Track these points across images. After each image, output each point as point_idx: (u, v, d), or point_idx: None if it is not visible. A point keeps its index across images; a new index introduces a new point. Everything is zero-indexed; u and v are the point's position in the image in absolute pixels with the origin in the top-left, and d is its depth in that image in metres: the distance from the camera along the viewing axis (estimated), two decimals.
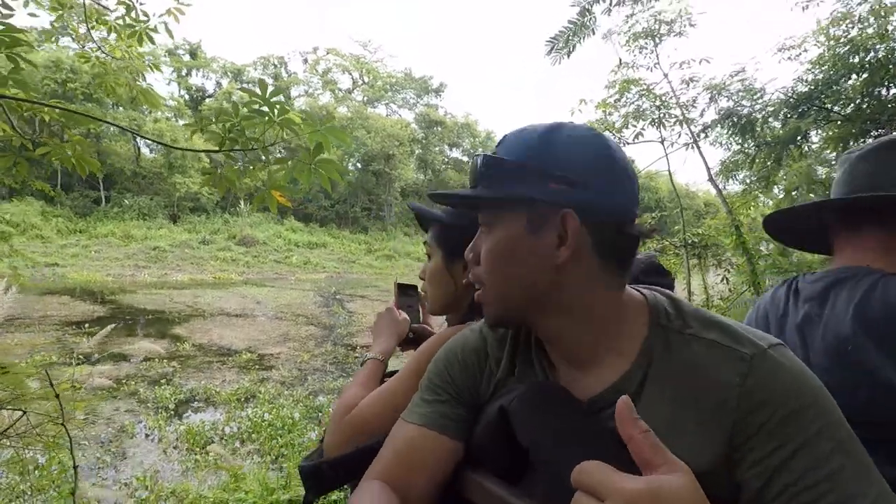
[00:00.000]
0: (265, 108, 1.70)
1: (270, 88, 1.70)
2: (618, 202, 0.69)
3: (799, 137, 5.90)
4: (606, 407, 0.67)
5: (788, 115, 5.80)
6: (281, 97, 1.69)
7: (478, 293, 0.74)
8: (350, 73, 34.65)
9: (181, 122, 27.20)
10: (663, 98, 6.65)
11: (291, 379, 7.64)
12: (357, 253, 27.25)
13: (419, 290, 1.31)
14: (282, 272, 21.92)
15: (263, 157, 1.79)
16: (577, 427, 0.66)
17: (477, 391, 0.80)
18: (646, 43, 6.66)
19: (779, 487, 0.57)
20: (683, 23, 6.37)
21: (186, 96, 29.97)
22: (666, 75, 6.69)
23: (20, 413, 1.93)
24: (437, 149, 34.04)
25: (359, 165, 31.16)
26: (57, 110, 1.91)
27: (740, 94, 6.24)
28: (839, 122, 5.55)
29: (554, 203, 0.66)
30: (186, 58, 30.09)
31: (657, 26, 6.48)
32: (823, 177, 8.38)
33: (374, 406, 0.99)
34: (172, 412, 6.04)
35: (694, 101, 6.64)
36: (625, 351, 0.68)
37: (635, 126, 6.78)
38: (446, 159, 35.12)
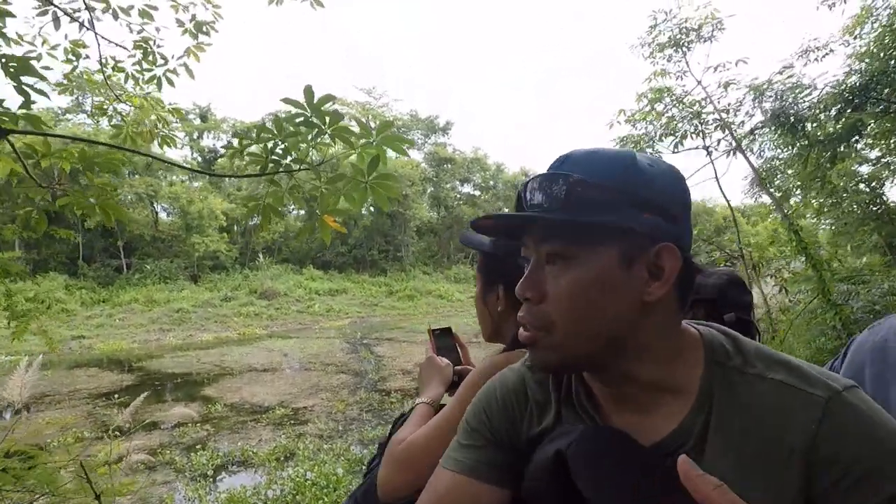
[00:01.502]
0: (314, 119, 1.46)
1: (318, 96, 1.46)
2: (690, 237, 0.66)
3: (856, 133, 5.58)
4: (669, 454, 0.62)
5: (842, 110, 5.48)
6: (332, 104, 1.44)
7: (527, 334, 0.66)
8: (357, 121, 35.38)
9: (196, 185, 27.73)
10: (701, 104, 6.41)
11: (329, 431, 7.26)
12: (378, 296, 26.96)
13: (453, 331, 1.34)
14: (305, 322, 21.69)
15: (313, 179, 1.53)
16: (643, 477, 0.61)
17: (517, 434, 0.76)
18: (673, 52, 6.48)
19: None
20: (712, 28, 6.19)
21: (199, 158, 30.67)
22: (699, 81, 6.46)
23: None
24: (448, 185, 34.19)
25: (372, 210, 31.33)
26: (77, 151, 1.69)
27: (788, 91, 5.96)
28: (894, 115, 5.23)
29: (651, 235, 0.61)
30: (197, 121, 30.98)
31: (683, 34, 6.31)
32: (868, 175, 7.96)
33: (421, 440, 0.99)
34: (211, 479, 5.69)
35: (738, 104, 6.39)
36: (683, 392, 0.64)
37: (674, 137, 6.53)
38: (458, 195, 35.23)
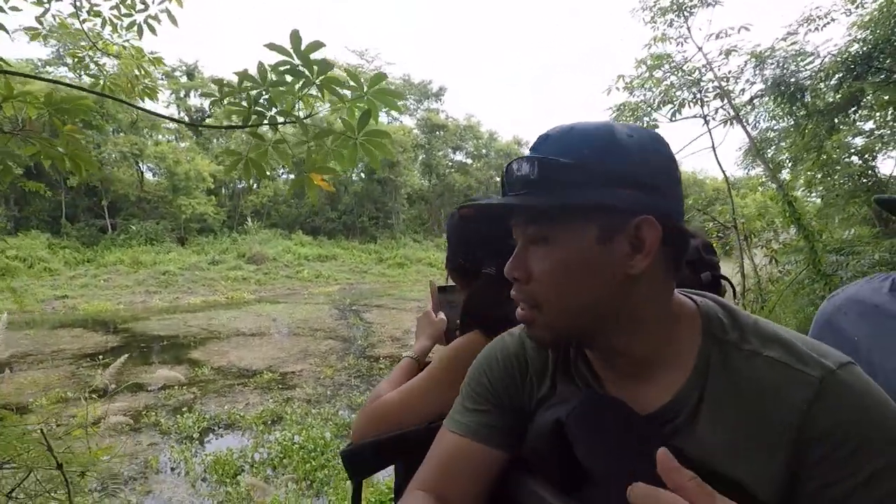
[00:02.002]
0: (301, 68, 1.33)
1: (305, 43, 1.33)
2: (677, 204, 0.65)
3: (855, 103, 5.47)
4: (665, 423, 0.64)
5: (843, 79, 5.35)
6: (321, 54, 1.31)
7: (523, 313, 0.68)
8: (348, 84, 34.45)
9: (183, 145, 27.07)
10: (701, 71, 6.22)
11: (317, 396, 7.28)
12: (368, 263, 26.88)
13: (457, 289, 1.31)
14: (294, 287, 21.62)
15: (300, 134, 1.41)
16: (639, 444, 0.62)
17: (518, 398, 0.78)
18: (675, 17, 6.24)
19: None
20: None
21: (186, 117, 29.87)
22: (700, 48, 6.26)
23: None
24: (440, 153, 33.69)
25: (363, 175, 30.89)
26: (43, 95, 1.54)
27: (790, 59, 5.78)
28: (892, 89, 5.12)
29: (629, 210, 0.61)
30: (184, 79, 29.96)
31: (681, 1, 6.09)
32: (861, 147, 7.93)
33: (394, 401, 1.05)
34: (197, 441, 5.69)
35: (740, 71, 6.18)
36: (678, 363, 0.65)
37: (672, 105, 6.36)
38: (450, 163, 34.78)
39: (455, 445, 0.77)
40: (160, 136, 25.92)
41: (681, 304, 0.68)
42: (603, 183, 0.61)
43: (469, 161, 35.15)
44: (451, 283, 1.35)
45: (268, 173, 1.61)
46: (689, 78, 6.24)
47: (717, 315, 0.66)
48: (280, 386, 7.83)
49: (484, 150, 34.57)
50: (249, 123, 1.36)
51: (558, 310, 0.65)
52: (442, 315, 1.32)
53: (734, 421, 0.59)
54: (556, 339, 0.70)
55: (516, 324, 0.79)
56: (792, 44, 5.66)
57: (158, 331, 12.30)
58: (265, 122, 1.39)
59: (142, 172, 25.55)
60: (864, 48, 5.16)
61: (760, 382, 0.59)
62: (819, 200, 7.86)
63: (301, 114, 1.51)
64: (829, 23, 5.89)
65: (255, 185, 30.34)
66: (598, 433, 0.65)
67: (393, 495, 1.23)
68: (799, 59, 5.66)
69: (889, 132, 7.34)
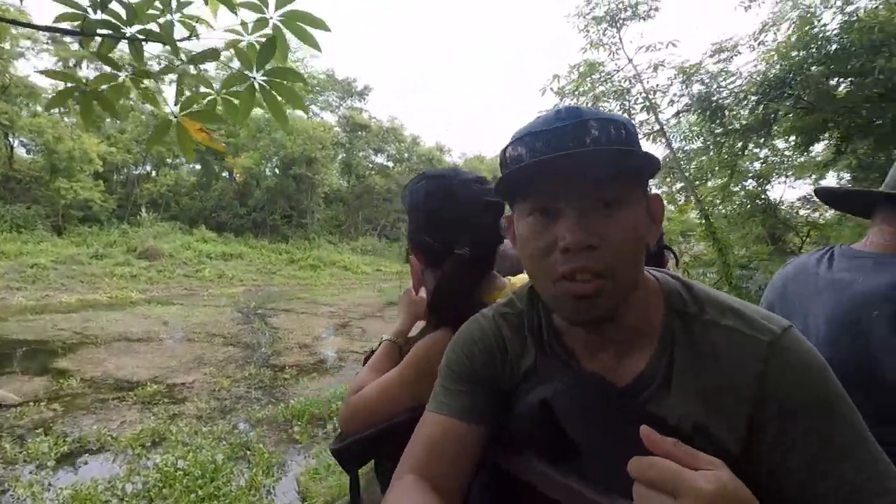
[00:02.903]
0: None
1: None
2: None
3: (767, 126, 5.78)
4: (640, 392, 0.69)
5: (760, 101, 5.65)
6: None
7: (585, 286, 0.65)
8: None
9: (70, 120, 23.92)
10: (631, 81, 6.30)
11: (210, 411, 6.43)
12: (278, 263, 25.31)
13: None
14: (192, 287, 19.73)
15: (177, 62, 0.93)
16: (620, 415, 0.67)
17: (497, 378, 0.81)
18: (608, 26, 6.29)
19: (790, 472, 0.61)
20: (648, 7, 6.08)
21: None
22: (630, 60, 6.35)
23: None
24: (361, 153, 32.82)
25: (277, 171, 29.25)
26: None
27: (714, 78, 6.02)
28: (802, 112, 5.48)
29: (649, 181, 0.72)
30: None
31: (621, 10, 6.13)
32: (758, 171, 8.63)
33: (371, 394, 1.06)
34: (53, 471, 4.71)
35: (668, 84, 6.35)
36: (647, 335, 0.70)
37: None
38: (371, 164, 33.99)
39: (440, 427, 0.79)
40: (38, 107, 22.64)
41: (645, 278, 0.73)
42: (644, 159, 0.65)
43: (390, 164, 34.58)
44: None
45: (123, 123, 1.11)
46: (617, 88, 6.32)
47: (676, 289, 0.72)
48: (166, 400, 6.86)
49: (406, 154, 34.18)
50: (90, 32, 0.85)
51: (629, 276, 0.67)
52: (423, 293, 1.27)
53: (703, 385, 0.65)
54: (613, 309, 0.69)
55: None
56: (718, 61, 5.93)
57: (18, 334, 10.50)
58: (117, 33, 0.89)
59: (11, 146, 22.19)
60: (780, 73, 5.48)
61: (720, 349, 0.66)
62: (724, 217, 8.42)
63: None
64: (735, 55, 6.24)
65: (153, 172, 27.61)
66: (583, 409, 0.70)
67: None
68: (720, 78, 5.93)
69: (778, 160, 8.01)
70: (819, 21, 5.44)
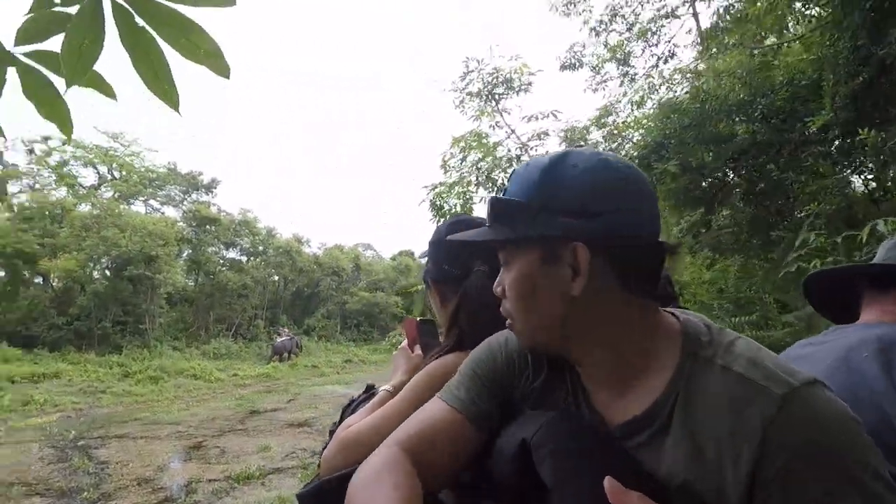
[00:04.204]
0: None
1: None
2: (632, 225, 0.69)
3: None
4: (636, 434, 0.68)
5: (640, 164, 6.41)
6: None
7: (508, 323, 0.80)
8: (96, 168, 29.57)
9: None
10: (520, 150, 6.71)
11: None
12: (108, 379, 21.55)
13: (436, 324, 1.36)
14: None
15: None
16: (603, 465, 0.63)
17: (511, 388, 0.84)
18: (486, 102, 6.75)
19: None
20: (521, 83, 6.64)
21: None
22: (513, 131, 6.85)
23: None
24: (211, 249, 30.63)
25: (107, 273, 25.86)
26: None
27: (602, 141, 6.60)
28: (671, 178, 6.31)
29: (563, 237, 0.69)
30: None
31: (495, 86, 6.62)
32: None
33: (366, 427, 1.02)
34: None
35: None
36: (657, 378, 0.69)
37: (492, 185, 6.74)
38: (222, 260, 31.80)
39: (441, 414, 0.81)
40: None
41: (662, 320, 0.71)
42: (544, 215, 0.70)
43: (244, 258, 32.74)
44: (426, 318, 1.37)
45: None
46: (503, 157, 6.67)
47: (698, 332, 0.70)
48: None
49: (261, 247, 32.73)
50: None
51: (522, 323, 0.76)
52: (418, 350, 1.32)
53: (700, 435, 0.62)
54: (529, 347, 0.80)
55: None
56: (602, 125, 6.70)
57: None
58: None
59: None
60: (657, 138, 6.30)
61: (728, 397, 0.61)
62: None
63: None
64: (586, 135, 7.19)
65: None
66: (562, 455, 0.66)
67: None
68: (610, 141, 6.62)
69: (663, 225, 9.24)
70: (666, 96, 6.44)
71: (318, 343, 31.13)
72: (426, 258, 1.29)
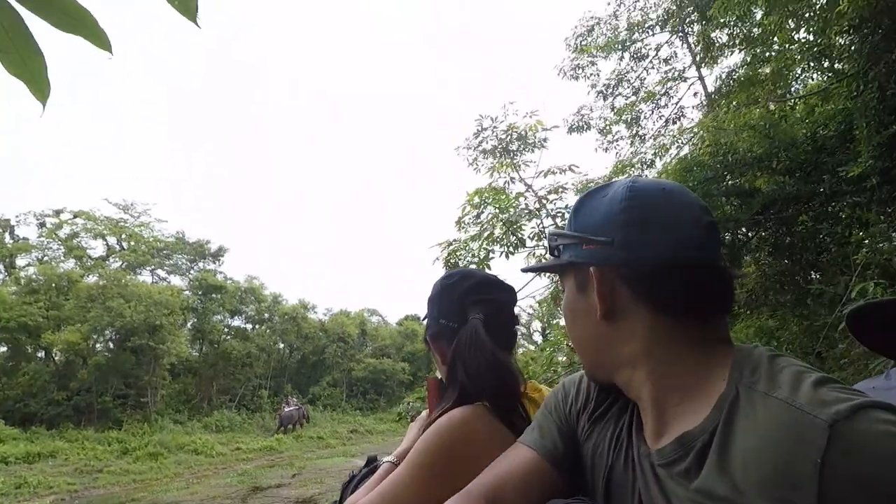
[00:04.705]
0: None
1: None
2: (650, 250, 0.68)
3: None
4: (671, 463, 0.64)
5: None
6: None
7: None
8: (105, 239, 29.91)
9: None
10: (537, 205, 6.58)
11: None
12: (106, 457, 20.57)
13: None
14: None
15: None
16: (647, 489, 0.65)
17: (578, 423, 0.83)
18: (501, 159, 6.72)
19: None
20: (536, 140, 6.64)
21: None
22: (530, 186, 6.76)
23: None
24: (216, 317, 30.30)
25: (111, 344, 25.44)
26: None
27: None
28: None
29: (585, 264, 0.74)
30: None
31: (507, 142, 6.62)
32: None
33: (370, 501, 0.94)
34: None
35: (568, 208, 6.65)
36: (699, 408, 0.65)
37: (499, 246, 6.59)
38: (227, 328, 31.38)
39: (519, 456, 0.81)
40: None
41: (712, 350, 0.68)
42: (577, 243, 0.75)
43: (249, 326, 32.32)
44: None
45: None
46: (521, 212, 6.50)
47: (746, 360, 0.65)
48: None
49: (267, 314, 32.38)
50: None
51: (578, 353, 0.81)
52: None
53: (740, 469, 0.55)
54: (591, 378, 0.82)
55: (510, 390, 1.03)
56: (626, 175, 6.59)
57: None
58: None
59: None
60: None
61: (767, 428, 0.54)
62: None
63: None
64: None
65: None
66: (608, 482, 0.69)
67: None
68: None
69: None
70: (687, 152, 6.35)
71: (324, 412, 30.06)
72: (426, 318, 1.26)
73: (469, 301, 1.14)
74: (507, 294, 1.20)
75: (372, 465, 1.26)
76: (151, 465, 20.47)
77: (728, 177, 6.16)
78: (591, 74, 10.74)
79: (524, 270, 1.10)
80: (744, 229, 6.69)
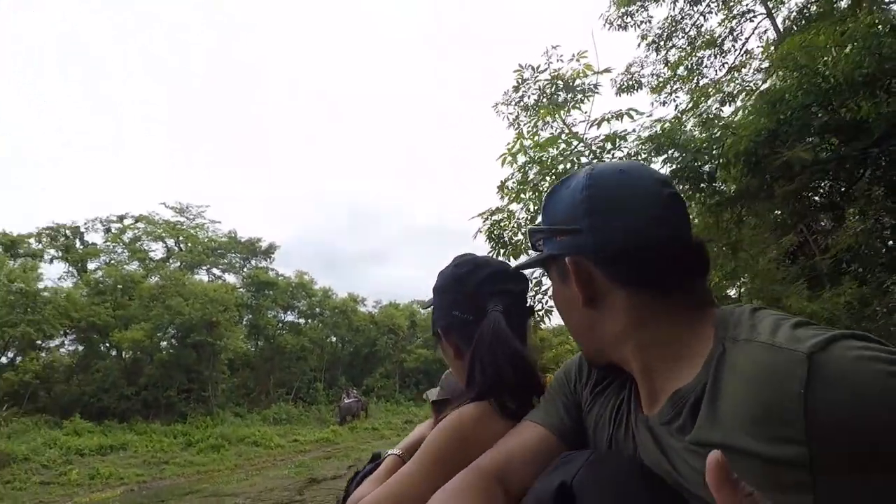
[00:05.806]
0: None
1: None
2: (615, 234, 0.70)
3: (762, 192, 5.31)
4: (667, 423, 0.66)
5: (741, 171, 5.21)
6: None
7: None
8: (164, 241, 31.15)
9: None
10: (590, 156, 5.69)
11: None
12: (171, 449, 21.38)
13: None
14: (52, 498, 15.75)
15: None
16: (647, 498, 0.63)
17: (580, 398, 0.87)
18: (546, 109, 5.91)
19: None
20: (587, 84, 5.81)
21: None
22: (582, 140, 5.90)
23: None
24: (270, 313, 30.96)
25: (173, 341, 26.42)
26: None
27: (690, 143, 5.41)
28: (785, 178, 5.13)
29: (559, 255, 0.76)
30: None
31: (552, 92, 5.85)
32: None
33: (378, 497, 0.92)
34: None
35: (632, 156, 5.58)
36: (688, 370, 0.66)
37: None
38: (280, 323, 32.03)
39: (527, 432, 0.84)
40: None
41: (694, 315, 0.69)
42: (551, 237, 0.78)
43: (301, 321, 32.87)
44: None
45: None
46: (573, 159, 5.62)
47: (732, 317, 0.65)
48: None
49: (318, 309, 32.80)
50: None
51: (574, 338, 0.84)
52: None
53: (734, 413, 0.56)
54: (588, 361, 0.86)
55: (525, 386, 0.99)
56: (699, 115, 5.67)
57: None
58: None
59: None
60: (769, 125, 4.99)
61: (752, 369, 0.56)
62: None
63: None
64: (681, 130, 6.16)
65: (16, 358, 23.65)
66: (607, 496, 0.64)
67: None
68: (697, 143, 5.31)
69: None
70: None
71: (378, 403, 30.18)
72: (432, 307, 1.22)
73: (485, 292, 1.10)
74: (522, 284, 1.15)
75: (376, 460, 1.25)
76: (213, 456, 21.09)
77: (820, 112, 5.09)
78: (641, 22, 9.66)
79: (517, 268, 1.09)
80: (847, 167, 5.42)
